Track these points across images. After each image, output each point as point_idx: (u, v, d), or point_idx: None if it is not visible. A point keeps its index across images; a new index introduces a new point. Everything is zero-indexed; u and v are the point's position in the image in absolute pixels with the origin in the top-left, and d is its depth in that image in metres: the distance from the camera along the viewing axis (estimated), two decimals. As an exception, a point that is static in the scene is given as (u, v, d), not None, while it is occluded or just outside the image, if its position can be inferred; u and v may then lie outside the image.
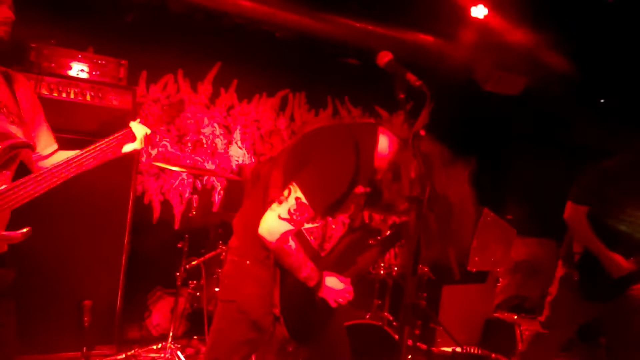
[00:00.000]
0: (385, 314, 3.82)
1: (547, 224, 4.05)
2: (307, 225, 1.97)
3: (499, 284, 5.00)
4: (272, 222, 1.82)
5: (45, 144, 2.13)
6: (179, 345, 3.65)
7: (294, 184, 1.84)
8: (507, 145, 5.60)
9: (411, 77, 1.84)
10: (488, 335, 4.64)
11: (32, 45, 3.42)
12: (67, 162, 1.97)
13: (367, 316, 3.60)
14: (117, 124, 2.22)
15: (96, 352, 3.55)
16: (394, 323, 3.86)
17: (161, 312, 4.08)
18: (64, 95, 3.44)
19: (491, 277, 5.01)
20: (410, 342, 3.56)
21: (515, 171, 5.68)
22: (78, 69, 3.54)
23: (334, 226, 2.07)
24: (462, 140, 5.24)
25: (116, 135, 2.11)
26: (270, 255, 1.92)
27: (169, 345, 3.59)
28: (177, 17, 4.08)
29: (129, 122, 2.19)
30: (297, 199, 1.81)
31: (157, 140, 4.32)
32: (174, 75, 4.36)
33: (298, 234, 1.91)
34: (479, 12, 4.43)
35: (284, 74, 4.78)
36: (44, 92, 3.37)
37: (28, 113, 2.03)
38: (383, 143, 1.99)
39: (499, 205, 5.14)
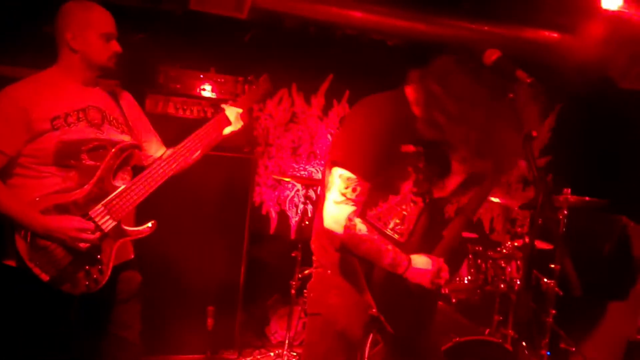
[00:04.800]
0: (509, 331, 3.58)
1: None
2: (371, 213, 1.84)
3: (643, 302, 4.46)
4: (331, 211, 1.75)
5: (156, 148, 2.32)
6: (295, 354, 3.72)
7: (331, 165, 1.78)
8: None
9: (522, 75, 1.71)
10: (631, 359, 4.15)
11: (161, 68, 3.72)
12: (174, 153, 2.14)
13: (487, 332, 3.40)
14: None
15: (219, 355, 3.74)
16: (522, 342, 3.60)
17: (279, 319, 4.19)
18: (188, 113, 3.70)
19: (634, 294, 4.48)
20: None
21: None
22: (201, 89, 3.79)
23: (404, 206, 1.90)
24: (602, 142, 4.83)
25: (212, 121, 2.24)
26: (349, 259, 1.82)
27: (285, 352, 3.67)
28: (291, 32, 4.21)
29: (221, 104, 2.30)
30: (340, 175, 1.74)
31: (272, 152, 4.46)
32: (288, 90, 4.49)
33: (368, 222, 1.80)
34: (611, 2, 4.03)
35: (396, 82, 4.70)
36: (171, 111, 3.65)
37: (135, 122, 2.23)
38: (412, 88, 1.86)
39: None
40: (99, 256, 1.97)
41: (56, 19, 2.06)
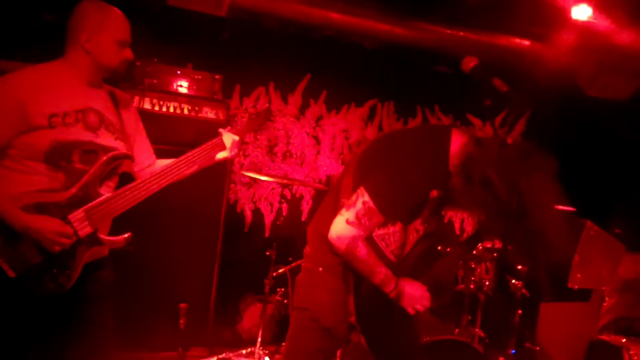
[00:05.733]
0: (477, 330, 3.67)
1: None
2: (378, 232, 1.91)
3: (604, 304, 4.62)
4: (341, 227, 1.80)
5: (146, 157, 2.29)
6: (267, 351, 3.73)
7: (362, 188, 1.81)
8: (615, 153, 5.19)
9: (498, 82, 1.78)
10: (592, 358, 4.29)
11: (137, 63, 3.68)
12: (164, 171, 2.11)
13: (456, 331, 3.48)
14: (212, 135, 2.32)
15: (190, 353, 3.72)
16: (486, 340, 3.69)
17: (251, 317, 4.19)
18: (164, 109, 3.67)
19: (596, 296, 4.64)
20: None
21: (624, 182, 5.24)
22: (177, 85, 3.76)
23: (408, 234, 2.00)
24: (566, 149, 4.99)
25: (207, 143, 2.23)
26: (342, 262, 1.89)
27: (257, 350, 3.68)
28: (269, 32, 4.22)
29: (219, 129, 2.30)
30: (364, 203, 1.79)
31: (248, 150, 4.46)
32: (266, 88, 4.50)
33: (369, 241, 1.87)
34: (581, 13, 4.16)
35: (373, 84, 4.77)
36: (147, 106, 3.61)
37: (130, 129, 2.20)
38: (457, 143, 1.87)
39: (606, 218, 4.78)
40: (69, 261, 1.94)
41: (71, 16, 2.02)
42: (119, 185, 2.11)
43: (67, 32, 2.03)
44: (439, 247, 2.07)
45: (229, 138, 2.24)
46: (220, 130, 2.28)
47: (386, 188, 1.81)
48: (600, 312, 4.68)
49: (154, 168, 2.24)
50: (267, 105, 2.45)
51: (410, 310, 1.93)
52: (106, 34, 2.01)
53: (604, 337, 4.44)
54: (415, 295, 1.91)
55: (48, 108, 1.92)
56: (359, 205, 1.80)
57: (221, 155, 2.26)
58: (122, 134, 2.13)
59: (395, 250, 1.98)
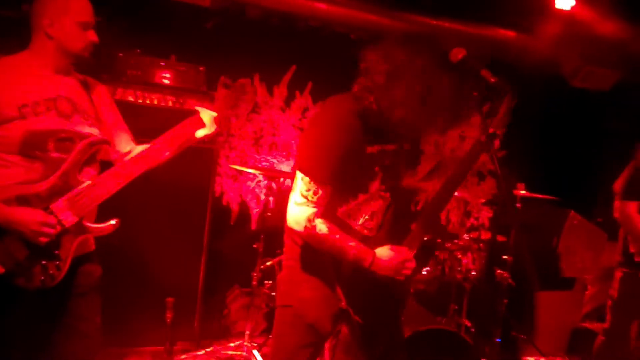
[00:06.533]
0: (463, 320, 3.70)
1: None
2: (342, 209, 1.90)
3: (587, 292, 4.69)
4: (293, 211, 1.81)
5: (125, 143, 2.24)
6: (256, 344, 3.72)
7: (296, 167, 1.84)
8: (597, 143, 5.26)
9: (487, 74, 1.77)
10: (575, 345, 4.37)
11: (119, 54, 3.62)
12: (143, 154, 2.08)
13: (443, 321, 3.51)
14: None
15: (178, 347, 3.70)
16: (472, 329, 3.73)
17: (239, 310, 4.18)
18: (148, 101, 3.62)
19: (579, 284, 4.71)
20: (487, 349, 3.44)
21: (607, 171, 5.32)
22: (161, 77, 3.71)
23: (373, 203, 1.97)
24: (550, 139, 5.02)
25: (184, 121, 2.17)
26: (319, 254, 1.87)
27: (245, 343, 3.68)
28: (254, 22, 4.17)
29: (195, 106, 2.25)
30: (302, 179, 1.81)
31: (234, 142, 4.43)
32: (251, 80, 4.46)
33: (335, 220, 1.85)
34: (564, 3, 4.19)
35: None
36: (130, 98, 3.56)
37: (105, 115, 2.16)
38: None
39: (589, 207, 4.84)
40: (57, 251, 1.92)
41: (34, 3, 1.99)
42: (100, 173, 2.07)
43: (31, 19, 2.00)
44: (410, 208, 2.05)
45: (206, 114, 2.19)
46: (197, 107, 2.24)
47: (310, 154, 1.83)
48: (583, 300, 4.75)
49: (133, 154, 2.20)
50: (242, 82, 2.38)
51: (399, 277, 1.89)
52: (68, 17, 1.97)
53: (587, 324, 4.52)
54: (397, 262, 1.86)
55: (17, 99, 1.89)
56: (299, 183, 1.81)
57: (201, 132, 2.20)
58: (96, 120, 2.09)
59: (366, 223, 1.96)
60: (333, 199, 1.86)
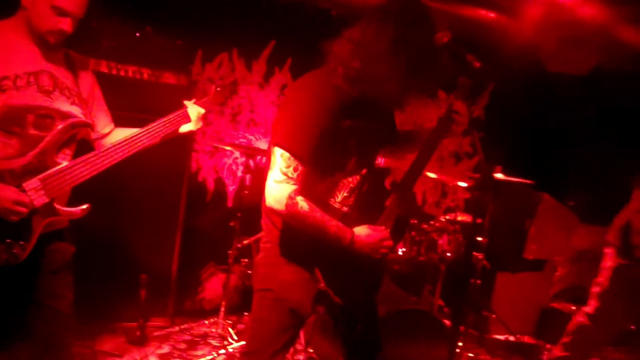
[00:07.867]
0: (437, 300, 3.76)
1: (615, 211, 3.83)
2: (320, 186, 1.88)
3: (557, 273, 4.81)
4: (273, 189, 1.77)
5: (104, 123, 2.20)
6: (230, 322, 3.73)
7: (273, 145, 1.81)
8: (571, 127, 5.33)
9: (471, 58, 1.76)
10: (543, 325, 4.49)
11: (93, 24, 3.49)
12: (125, 141, 2.03)
13: (417, 301, 3.55)
14: (173, 101, 2.25)
15: (151, 323, 3.69)
16: (445, 309, 3.79)
17: (214, 287, 4.17)
18: (122, 73, 3.52)
19: (549, 266, 4.83)
20: (462, 328, 3.50)
21: (581, 155, 5.40)
22: (137, 48, 3.61)
23: (350, 179, 1.95)
24: (526, 123, 5.05)
25: (171, 115, 2.14)
26: (297, 236, 1.85)
27: (220, 320, 3.67)
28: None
29: (183, 100, 2.21)
30: (281, 155, 1.77)
31: (211, 118, 4.36)
32: (229, 54, 4.37)
33: (314, 199, 1.83)
34: (545, -16, 4.18)
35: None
36: (104, 70, 3.45)
37: (88, 94, 2.10)
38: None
39: (561, 190, 4.92)
40: (23, 231, 1.86)
41: None
42: (76, 154, 2.01)
43: None
44: (383, 184, 2.06)
45: (194, 110, 2.17)
46: (185, 102, 2.19)
47: (289, 130, 1.79)
48: (553, 280, 4.87)
49: (114, 137, 2.15)
50: (234, 78, 2.36)
51: (375, 254, 1.88)
52: None
53: (555, 304, 4.64)
54: (375, 241, 1.86)
55: None
56: (278, 159, 1.77)
57: (186, 128, 2.19)
58: (78, 99, 2.03)
59: (344, 201, 1.95)
60: (311, 176, 1.83)
